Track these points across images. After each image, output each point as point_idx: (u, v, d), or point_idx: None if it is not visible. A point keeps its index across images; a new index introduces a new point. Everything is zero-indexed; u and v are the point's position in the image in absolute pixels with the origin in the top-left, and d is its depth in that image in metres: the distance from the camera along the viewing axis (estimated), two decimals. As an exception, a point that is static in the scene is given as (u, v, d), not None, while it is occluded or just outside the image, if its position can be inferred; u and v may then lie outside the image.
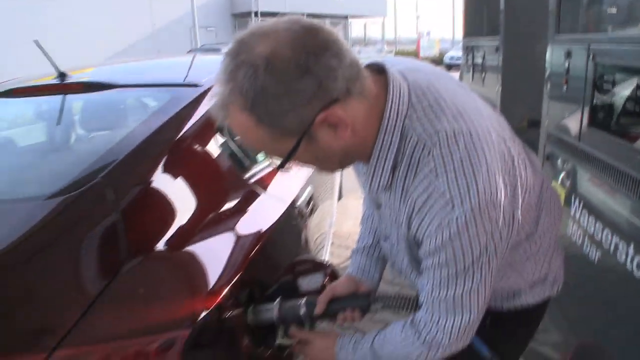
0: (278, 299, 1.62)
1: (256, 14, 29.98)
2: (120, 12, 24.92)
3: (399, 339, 1.33)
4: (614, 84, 2.08)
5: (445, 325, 1.24)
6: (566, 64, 2.44)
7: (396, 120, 1.13)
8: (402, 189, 1.17)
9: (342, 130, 1.09)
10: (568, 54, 2.42)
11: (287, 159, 1.13)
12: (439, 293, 1.20)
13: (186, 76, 2.49)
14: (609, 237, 2.01)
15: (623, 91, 2.01)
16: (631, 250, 1.83)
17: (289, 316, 1.58)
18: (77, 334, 1.21)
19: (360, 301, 1.57)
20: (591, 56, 2.18)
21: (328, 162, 1.21)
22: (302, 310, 1.57)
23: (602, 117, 2.16)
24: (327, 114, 1.05)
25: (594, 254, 2.15)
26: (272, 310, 1.59)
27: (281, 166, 1.16)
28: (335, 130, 1.09)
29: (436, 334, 1.26)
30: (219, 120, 1.10)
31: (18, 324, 1.25)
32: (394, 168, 1.17)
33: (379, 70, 1.19)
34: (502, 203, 1.10)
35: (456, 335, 1.24)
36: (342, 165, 1.25)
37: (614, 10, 2.26)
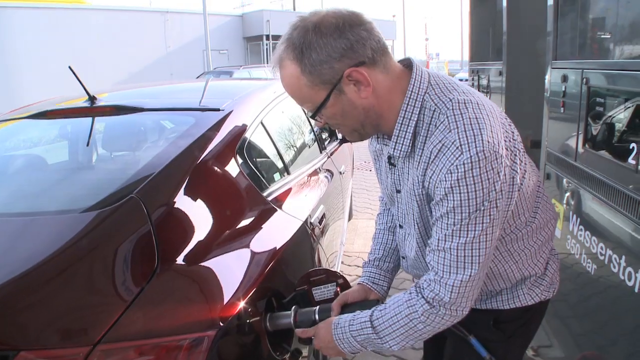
0: (294, 307, 1.76)
1: (267, 37, 30.27)
2: (135, 35, 25.27)
3: (401, 302, 1.48)
4: (605, 106, 2.22)
5: (447, 282, 1.39)
6: (563, 88, 2.59)
7: (417, 94, 1.40)
8: (422, 151, 1.39)
9: (364, 89, 1.36)
10: (564, 79, 2.58)
11: (320, 107, 1.39)
12: (444, 245, 1.37)
13: (209, 101, 2.66)
14: (607, 252, 2.14)
15: (613, 113, 2.15)
16: (630, 266, 1.94)
17: (304, 321, 1.72)
18: (116, 331, 1.37)
19: (369, 306, 1.71)
20: (584, 81, 2.34)
21: (352, 119, 1.43)
22: (317, 316, 1.72)
23: (595, 138, 2.30)
24: (353, 70, 1.33)
25: (594, 270, 2.27)
26: (290, 316, 1.74)
27: (313, 115, 1.43)
28: (359, 88, 1.36)
29: (439, 291, 1.40)
30: (274, 74, 1.43)
31: (65, 322, 1.41)
32: (414, 137, 1.40)
33: (407, 64, 1.47)
34: (503, 157, 1.31)
35: (457, 293, 1.39)
36: (363, 126, 1.46)
37: (604, 39, 2.42)
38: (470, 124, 1.30)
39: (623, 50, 2.26)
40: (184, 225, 1.81)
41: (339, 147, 4.24)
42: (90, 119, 2.66)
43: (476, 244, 1.35)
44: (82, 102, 2.65)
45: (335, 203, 3.50)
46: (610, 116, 2.19)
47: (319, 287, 1.85)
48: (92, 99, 2.62)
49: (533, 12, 4.14)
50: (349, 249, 5.09)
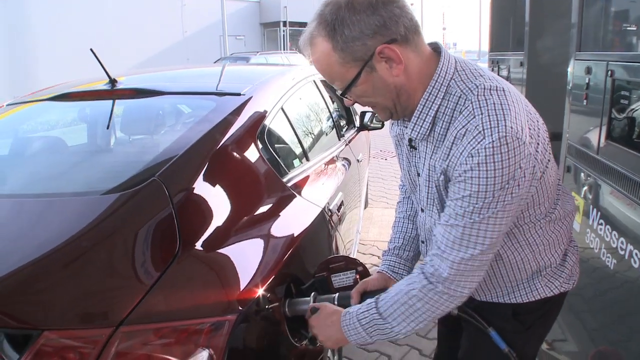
0: (313, 293, 1.77)
1: (285, 23, 30.22)
2: (152, 19, 25.37)
3: (404, 281, 1.49)
4: (630, 100, 2.19)
5: (448, 257, 1.38)
6: (586, 80, 2.56)
7: (444, 79, 1.39)
8: (444, 137, 1.39)
9: (396, 66, 1.35)
10: (588, 71, 2.54)
11: (351, 84, 1.38)
12: (454, 222, 1.36)
13: (229, 86, 2.67)
14: (627, 247, 2.11)
15: (639, 107, 2.13)
16: None
17: None
18: (138, 313, 1.38)
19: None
20: (609, 73, 2.31)
21: (383, 97, 1.41)
22: (336, 303, 1.71)
23: (619, 132, 2.27)
24: (386, 47, 1.31)
25: (612, 264, 2.25)
26: (309, 302, 1.74)
27: (343, 93, 1.42)
28: (390, 65, 1.34)
29: (439, 266, 1.40)
30: (305, 53, 1.42)
31: (88, 304, 1.42)
32: (434, 122, 1.41)
33: (435, 48, 1.46)
34: (526, 144, 1.29)
35: (456, 270, 1.38)
36: (395, 105, 1.44)
37: (631, 31, 2.38)
38: (495, 110, 1.29)
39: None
40: (205, 210, 1.82)
41: (356, 134, 4.23)
42: (110, 101, 2.68)
43: (484, 225, 1.33)
44: (102, 84, 2.66)
45: (352, 191, 3.50)
46: (634, 109, 2.17)
47: (337, 275, 1.85)
48: (112, 81, 2.63)
49: (557, 0, 4.09)
50: (364, 237, 5.09)
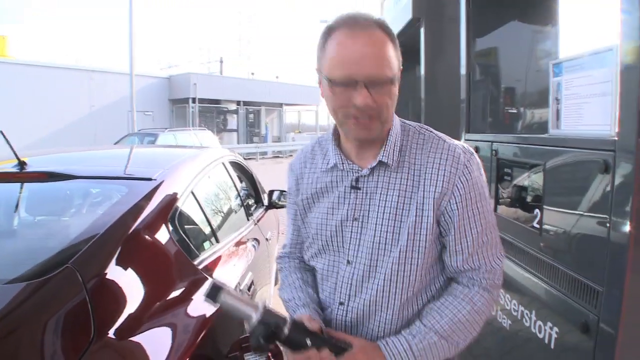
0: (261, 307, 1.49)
1: (194, 100, 30.36)
2: (59, 93, 24.91)
3: (454, 302, 1.53)
4: (512, 176, 2.47)
5: (495, 267, 1.55)
6: (475, 159, 2.83)
7: (398, 119, 1.61)
8: (415, 166, 1.55)
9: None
10: (477, 150, 2.79)
11: (396, 77, 1.47)
12: (483, 238, 1.53)
13: (141, 170, 2.71)
14: (520, 308, 2.34)
15: (519, 182, 2.40)
16: (540, 320, 2.15)
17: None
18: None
19: (342, 345, 1.48)
20: (494, 152, 2.58)
21: (389, 107, 1.48)
22: (287, 330, 1.44)
23: (504, 204, 2.52)
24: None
25: (509, 325, 2.46)
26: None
27: (392, 80, 1.46)
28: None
29: (494, 278, 1.55)
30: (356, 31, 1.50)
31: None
32: (401, 151, 1.57)
33: None
34: None
35: (502, 272, 1.57)
36: (384, 121, 1.51)
37: (510, 114, 2.68)
38: (451, 139, 1.58)
39: (525, 126, 2.52)
40: (119, 296, 1.83)
41: (265, 213, 4.33)
42: (18, 185, 2.65)
43: (495, 225, 1.58)
44: (9, 165, 2.61)
45: (262, 269, 3.56)
46: (516, 185, 2.43)
47: (250, 354, 1.89)
48: (21, 164, 2.58)
49: (449, 83, 4.41)
50: (275, 313, 5.08)
